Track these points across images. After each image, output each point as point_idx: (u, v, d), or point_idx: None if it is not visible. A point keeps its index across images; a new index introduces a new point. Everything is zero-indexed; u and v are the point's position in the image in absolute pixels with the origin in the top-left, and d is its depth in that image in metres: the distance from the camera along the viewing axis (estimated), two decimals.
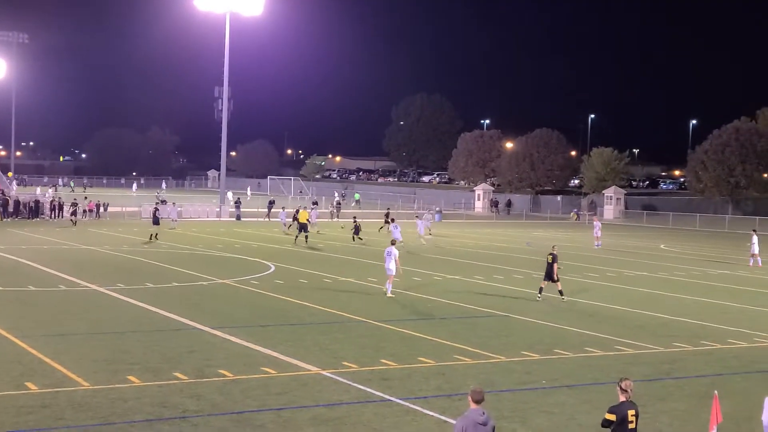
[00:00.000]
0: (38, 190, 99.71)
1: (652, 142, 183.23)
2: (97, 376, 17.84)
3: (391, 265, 30.59)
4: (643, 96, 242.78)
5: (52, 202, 71.85)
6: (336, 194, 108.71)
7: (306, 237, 50.74)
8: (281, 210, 65.81)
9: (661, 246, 58.39)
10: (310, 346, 21.48)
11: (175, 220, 61.82)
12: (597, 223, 57.11)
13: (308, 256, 44.13)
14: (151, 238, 48.66)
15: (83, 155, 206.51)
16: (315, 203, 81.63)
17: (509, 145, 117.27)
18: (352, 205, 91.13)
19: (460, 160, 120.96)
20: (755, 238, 47.02)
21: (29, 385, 17.02)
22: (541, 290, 30.76)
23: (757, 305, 31.08)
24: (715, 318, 27.79)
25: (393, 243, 32.19)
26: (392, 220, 54.69)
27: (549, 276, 30.55)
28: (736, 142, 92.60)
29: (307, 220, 52.08)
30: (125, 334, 22.49)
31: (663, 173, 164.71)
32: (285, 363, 19.62)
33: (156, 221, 50.05)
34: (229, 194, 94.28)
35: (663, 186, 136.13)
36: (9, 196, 70.91)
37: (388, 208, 75.60)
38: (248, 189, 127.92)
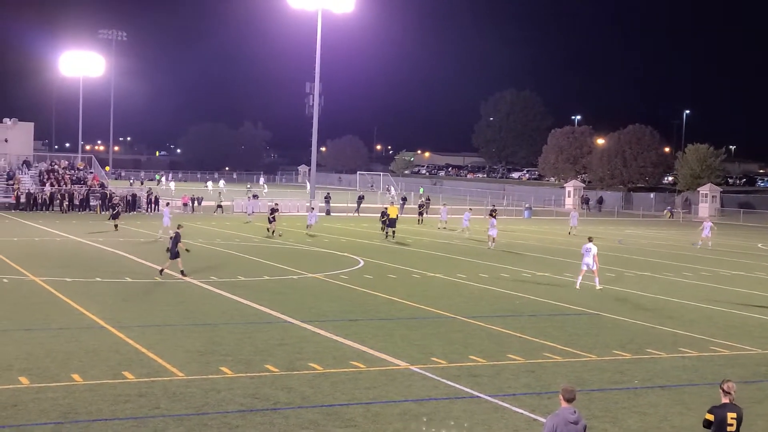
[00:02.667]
0: (130, 183, 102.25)
1: (749, 138, 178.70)
2: (191, 367, 18.21)
3: (588, 260, 32.16)
4: (741, 91, 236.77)
5: (148, 195, 73.55)
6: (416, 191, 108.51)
7: (393, 232, 50.84)
8: (442, 207, 65.38)
9: (759, 245, 56.93)
10: (398, 341, 21.56)
11: (250, 214, 63.58)
12: (708, 224, 54.80)
13: (397, 252, 44.25)
14: (272, 233, 50.59)
15: (178, 150, 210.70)
16: (404, 199, 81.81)
17: (600, 141, 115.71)
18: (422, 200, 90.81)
19: (550, 157, 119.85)
20: None
21: (126, 374, 17.47)
22: None
23: None
24: None
25: (590, 239, 33.36)
26: (493, 214, 53.74)
27: None
28: None
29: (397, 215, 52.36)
30: (218, 326, 22.90)
31: (761, 170, 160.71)
32: (374, 357, 19.73)
33: (271, 219, 51.38)
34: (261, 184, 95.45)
35: (761, 183, 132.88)
36: (109, 190, 72.77)
37: (494, 205, 75.34)
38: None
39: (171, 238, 32.85)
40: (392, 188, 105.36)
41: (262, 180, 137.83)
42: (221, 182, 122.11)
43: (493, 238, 47.14)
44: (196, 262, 37.19)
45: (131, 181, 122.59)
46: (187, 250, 32.93)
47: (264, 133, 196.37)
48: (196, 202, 74.45)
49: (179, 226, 33.82)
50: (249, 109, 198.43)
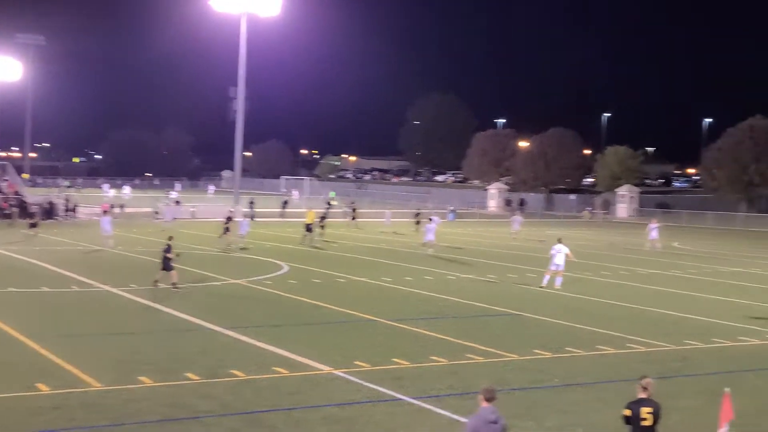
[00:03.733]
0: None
1: (666, 140, 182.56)
2: (108, 377, 17.89)
3: (559, 260, 33.14)
4: (657, 94, 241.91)
5: (66, 203, 72.16)
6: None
7: (311, 238, 50.70)
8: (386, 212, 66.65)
9: (675, 244, 58.17)
10: (322, 346, 21.50)
11: (168, 221, 62.21)
12: (653, 225, 54.74)
13: (322, 256, 44.16)
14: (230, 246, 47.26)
15: (98, 156, 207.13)
16: (329, 204, 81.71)
17: (523, 144, 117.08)
18: (333, 203, 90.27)
19: (474, 160, 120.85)
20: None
21: (40, 386, 17.07)
22: None
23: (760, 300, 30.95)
24: (726, 315, 27.69)
25: (560, 240, 34.25)
26: (430, 219, 52.81)
27: None
28: (750, 140, 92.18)
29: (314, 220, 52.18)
30: (137, 335, 22.57)
31: (677, 171, 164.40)
32: (297, 363, 19.64)
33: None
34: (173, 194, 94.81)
35: (677, 184, 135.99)
36: (25, 198, 71.20)
37: (419, 209, 75.48)
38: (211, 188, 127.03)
39: (164, 250, 30.96)
40: (293, 192, 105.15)
41: (179, 186, 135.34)
42: (125, 188, 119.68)
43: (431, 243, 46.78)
44: (116, 270, 36.64)
45: (65, 185, 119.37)
46: (177, 254, 31.38)
47: (187, 138, 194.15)
48: (117, 209, 73.22)
49: (170, 238, 32.23)
50: (172, 113, 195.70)
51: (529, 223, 72.62)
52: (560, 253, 33.32)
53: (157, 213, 68.78)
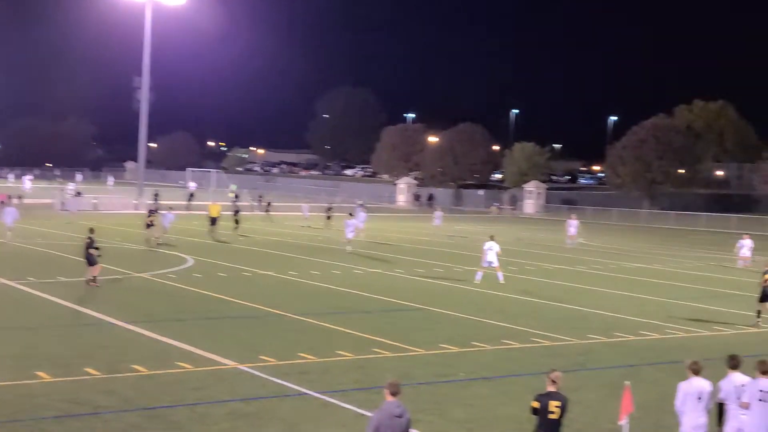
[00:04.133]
0: None
1: (572, 137, 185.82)
2: (3, 373, 17.32)
3: (491, 257, 33.82)
4: (564, 92, 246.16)
5: None
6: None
7: (214, 230, 50.23)
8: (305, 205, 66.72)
9: (580, 240, 59.15)
10: (227, 341, 21.23)
11: (72, 213, 60.79)
12: (572, 222, 54.50)
13: (228, 250, 43.66)
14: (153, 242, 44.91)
15: None
16: (236, 197, 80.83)
17: (432, 139, 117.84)
18: (230, 196, 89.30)
19: (383, 154, 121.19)
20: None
21: None
22: (759, 314, 26.62)
23: (669, 298, 31.70)
24: (629, 310, 28.27)
25: (492, 238, 34.85)
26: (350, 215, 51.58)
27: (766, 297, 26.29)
28: (653, 139, 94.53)
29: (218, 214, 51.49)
30: (35, 329, 21.94)
31: (583, 168, 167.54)
32: (202, 358, 19.35)
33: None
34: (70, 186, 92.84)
35: (583, 181, 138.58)
36: None
37: (331, 203, 75.20)
38: (111, 179, 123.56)
39: (86, 244, 29.20)
40: (191, 184, 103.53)
41: (80, 177, 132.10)
42: (25, 179, 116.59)
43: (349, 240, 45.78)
44: (13, 262, 35.63)
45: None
46: (98, 249, 29.54)
47: (89, 128, 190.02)
48: (15, 200, 71.26)
49: (91, 230, 30.12)
50: (73, 103, 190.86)
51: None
52: (491, 251, 33.76)
53: (63, 204, 67.09)
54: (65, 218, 59.50)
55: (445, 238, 54.59)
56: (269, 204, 69.97)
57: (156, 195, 77.20)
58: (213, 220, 51.01)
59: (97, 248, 29.22)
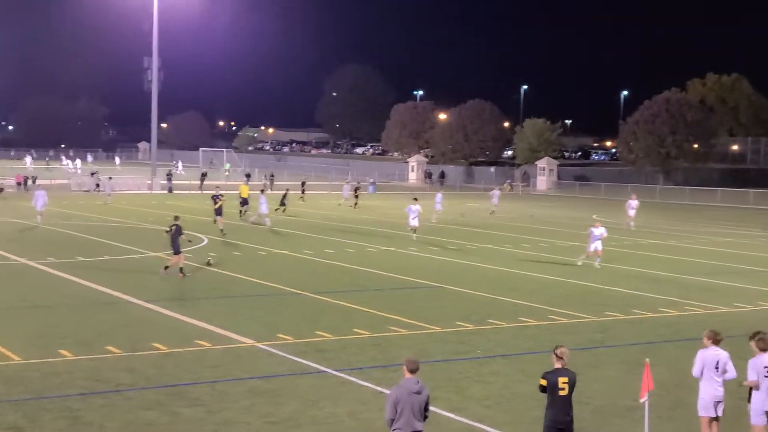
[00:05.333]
0: None
1: (584, 113, 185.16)
2: (28, 351, 17.54)
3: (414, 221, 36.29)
4: (575, 67, 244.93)
5: None
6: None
7: (244, 211, 49.44)
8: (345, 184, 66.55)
9: (593, 216, 58.82)
10: (245, 319, 21.38)
11: (108, 194, 60.47)
12: (632, 202, 50.42)
13: (243, 229, 43.76)
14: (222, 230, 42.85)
15: (10, 127, 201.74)
16: (248, 175, 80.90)
17: (443, 116, 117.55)
18: (226, 175, 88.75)
19: (393, 132, 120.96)
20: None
21: None
22: None
23: (687, 274, 31.66)
24: (646, 287, 28.26)
25: (416, 199, 36.15)
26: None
27: None
28: (666, 113, 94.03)
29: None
30: (57, 309, 22.14)
31: (595, 144, 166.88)
32: (219, 336, 19.50)
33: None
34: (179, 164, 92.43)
35: (595, 157, 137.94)
36: None
37: (305, 179, 75.18)
38: (179, 162, 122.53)
39: (167, 231, 28.42)
40: (179, 163, 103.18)
41: (90, 158, 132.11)
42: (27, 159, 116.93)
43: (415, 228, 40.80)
44: (34, 242, 35.86)
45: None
46: (189, 240, 29.39)
47: (102, 109, 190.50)
48: (30, 181, 71.61)
49: (177, 218, 29.03)
50: (85, 84, 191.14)
51: (450, 196, 73.10)
52: (597, 237, 32.61)
53: (98, 186, 66.93)
54: (99, 199, 59.08)
55: (457, 216, 54.55)
56: (303, 184, 68.42)
57: (169, 175, 77.13)
58: (243, 201, 49.98)
59: (181, 234, 28.05)
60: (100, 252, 33.16)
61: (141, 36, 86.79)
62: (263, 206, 44.62)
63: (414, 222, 40.24)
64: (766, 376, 12.21)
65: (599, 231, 32.76)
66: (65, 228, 41.62)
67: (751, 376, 12.29)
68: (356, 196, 61.77)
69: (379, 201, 68.76)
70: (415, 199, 39.33)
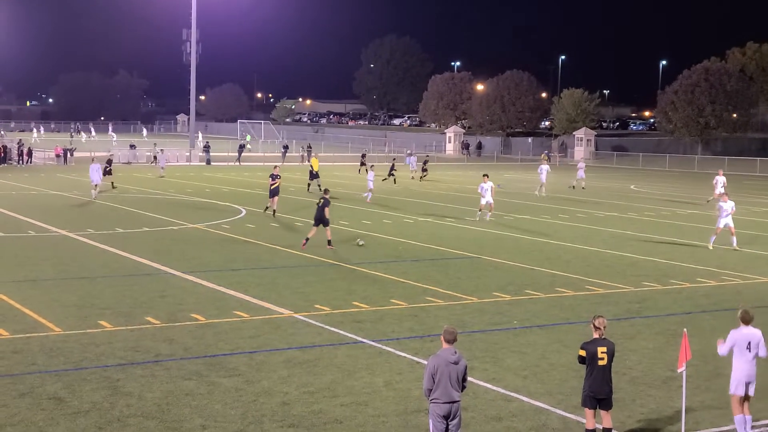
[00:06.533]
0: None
1: (622, 83, 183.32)
2: (68, 322, 17.77)
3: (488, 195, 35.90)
4: (613, 36, 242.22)
5: (19, 147, 71.10)
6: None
7: (318, 185, 47.53)
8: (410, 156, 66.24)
9: (631, 186, 58.69)
10: (282, 290, 21.49)
11: (163, 167, 60.04)
12: (720, 178, 46.10)
13: (280, 200, 43.80)
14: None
15: (50, 100, 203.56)
16: (285, 147, 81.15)
17: (480, 87, 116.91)
18: (248, 148, 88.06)
19: (430, 103, 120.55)
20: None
21: (0, 331, 16.92)
22: None
23: (725, 244, 31.32)
24: (684, 257, 28.04)
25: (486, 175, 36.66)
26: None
27: None
28: (705, 83, 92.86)
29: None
30: (96, 280, 22.38)
31: (633, 114, 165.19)
32: (257, 306, 19.63)
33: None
34: (200, 136, 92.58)
35: (633, 127, 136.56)
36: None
37: (364, 151, 75.09)
38: (200, 134, 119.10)
39: (318, 204, 28.34)
40: (201, 134, 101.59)
41: (110, 129, 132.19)
42: (85, 133, 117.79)
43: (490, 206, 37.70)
44: (72, 214, 36.25)
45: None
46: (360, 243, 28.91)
47: (140, 82, 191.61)
48: (69, 154, 72.34)
49: (326, 191, 29.46)
50: (124, 57, 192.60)
51: (487, 166, 72.83)
52: (728, 213, 30.04)
53: (156, 159, 67.24)
54: (157, 173, 58.98)
55: (495, 187, 54.28)
56: (426, 162, 63.89)
57: (206, 146, 77.48)
58: (313, 174, 49.02)
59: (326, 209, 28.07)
60: (138, 224, 33.46)
61: (179, 8, 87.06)
62: (370, 182, 44.84)
63: (488, 199, 36.95)
64: (747, 348, 12.22)
65: (728, 205, 30.09)
66: (104, 200, 41.97)
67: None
68: (424, 170, 61.30)
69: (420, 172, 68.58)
70: (485, 175, 37.94)
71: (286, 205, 41.20)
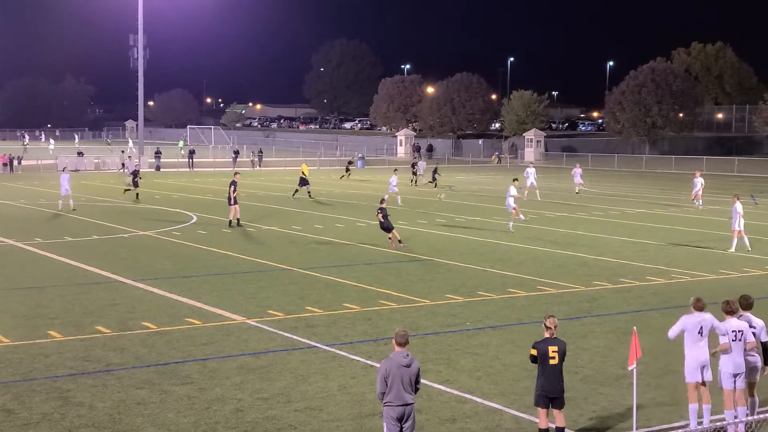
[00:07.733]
0: None
1: (570, 84, 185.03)
2: (16, 332, 17.52)
3: (510, 201, 34.94)
4: (561, 38, 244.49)
5: None
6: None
7: (308, 191, 47.83)
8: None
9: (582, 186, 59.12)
10: (234, 296, 21.39)
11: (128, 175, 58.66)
12: (698, 180, 44.98)
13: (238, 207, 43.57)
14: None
15: None
16: (236, 152, 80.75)
17: (430, 90, 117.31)
18: (182, 153, 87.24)
19: (381, 106, 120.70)
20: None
21: None
22: None
23: (673, 242, 31.77)
24: (633, 256, 28.37)
25: (516, 179, 36.63)
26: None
27: None
28: (651, 83, 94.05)
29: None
30: (45, 289, 22.08)
31: (582, 115, 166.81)
32: (210, 313, 19.51)
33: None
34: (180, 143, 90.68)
35: (582, 128, 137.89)
36: None
37: (351, 157, 74.40)
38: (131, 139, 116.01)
39: (379, 215, 29.63)
40: (131, 141, 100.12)
41: (77, 137, 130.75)
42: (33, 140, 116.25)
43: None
44: (20, 223, 35.75)
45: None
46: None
47: (87, 88, 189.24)
48: (16, 162, 71.29)
49: (382, 200, 30.58)
50: (70, 63, 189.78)
51: (439, 169, 72.97)
52: (739, 214, 29.36)
53: (123, 165, 66.10)
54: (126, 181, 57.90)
55: (447, 189, 54.55)
56: (436, 171, 60.80)
57: (157, 153, 76.76)
58: (304, 180, 47.93)
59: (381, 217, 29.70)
60: (88, 232, 33.07)
61: (126, 13, 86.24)
62: (393, 186, 44.66)
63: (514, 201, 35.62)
64: (734, 340, 12.37)
65: (739, 207, 29.51)
66: (51, 209, 41.43)
67: (722, 340, 12.43)
68: (414, 173, 59.75)
69: (369, 175, 68.66)
70: (515, 179, 37.30)
71: (249, 212, 41.00)
